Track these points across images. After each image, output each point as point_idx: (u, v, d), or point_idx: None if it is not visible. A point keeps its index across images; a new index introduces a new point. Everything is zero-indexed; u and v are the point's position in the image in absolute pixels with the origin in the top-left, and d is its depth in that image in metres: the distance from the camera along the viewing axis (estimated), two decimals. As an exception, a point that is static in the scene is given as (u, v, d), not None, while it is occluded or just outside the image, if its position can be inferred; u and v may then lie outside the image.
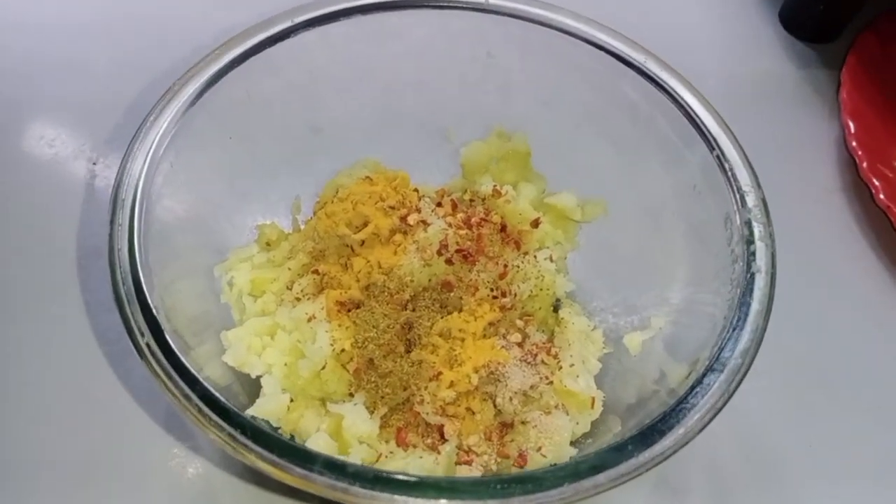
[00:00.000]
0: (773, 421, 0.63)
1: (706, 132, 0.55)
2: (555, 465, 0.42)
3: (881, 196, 0.70)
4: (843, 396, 0.65)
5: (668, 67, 0.58)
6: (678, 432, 0.43)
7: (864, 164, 0.72)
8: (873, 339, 0.69)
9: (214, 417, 0.41)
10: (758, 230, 0.51)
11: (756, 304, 0.48)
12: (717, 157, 0.54)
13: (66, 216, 0.68)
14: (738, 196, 0.53)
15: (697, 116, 0.56)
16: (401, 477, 0.40)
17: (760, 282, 0.49)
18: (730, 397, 0.45)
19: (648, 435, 0.43)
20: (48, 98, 0.76)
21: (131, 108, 0.75)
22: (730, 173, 0.54)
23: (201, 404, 0.42)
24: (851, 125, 0.75)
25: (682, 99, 0.57)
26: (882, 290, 0.71)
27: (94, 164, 0.71)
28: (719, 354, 0.46)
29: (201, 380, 0.43)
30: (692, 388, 0.45)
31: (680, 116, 0.57)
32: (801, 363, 0.66)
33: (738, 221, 0.52)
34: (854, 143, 0.73)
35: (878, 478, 0.62)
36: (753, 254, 0.50)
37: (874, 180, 0.71)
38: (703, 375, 0.45)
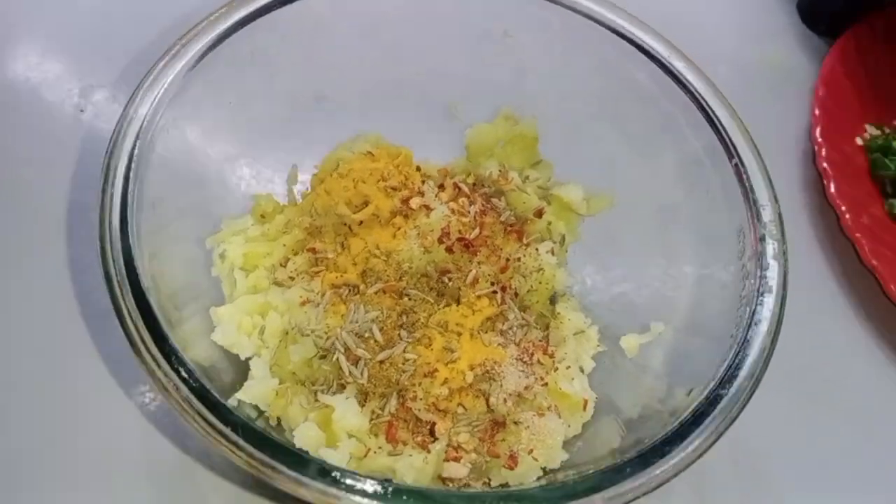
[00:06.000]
0: (761, 428, 0.62)
1: (728, 139, 0.53)
2: (553, 482, 0.41)
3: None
4: (831, 411, 0.65)
5: (694, 67, 0.56)
6: (678, 457, 0.43)
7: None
8: (861, 353, 0.68)
9: (219, 425, 0.40)
10: (772, 247, 0.50)
11: (764, 326, 0.47)
12: (736, 165, 0.53)
13: (53, 166, 0.64)
14: (754, 209, 0.51)
15: (721, 123, 0.54)
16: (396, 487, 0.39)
17: (770, 302, 0.48)
18: (731, 422, 0.44)
19: (648, 458, 0.42)
20: (33, 37, 0.72)
21: (121, 51, 0.71)
22: (748, 184, 0.52)
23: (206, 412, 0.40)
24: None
25: (706, 101, 0.55)
26: (878, 305, 0.70)
27: (82, 111, 0.68)
28: (725, 376, 0.45)
29: (203, 382, 0.41)
30: (695, 411, 0.44)
31: (701, 119, 0.55)
32: (791, 374, 0.65)
33: (752, 236, 0.51)
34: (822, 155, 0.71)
35: (864, 492, 0.62)
36: (765, 273, 0.49)
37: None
38: (707, 400, 0.44)
